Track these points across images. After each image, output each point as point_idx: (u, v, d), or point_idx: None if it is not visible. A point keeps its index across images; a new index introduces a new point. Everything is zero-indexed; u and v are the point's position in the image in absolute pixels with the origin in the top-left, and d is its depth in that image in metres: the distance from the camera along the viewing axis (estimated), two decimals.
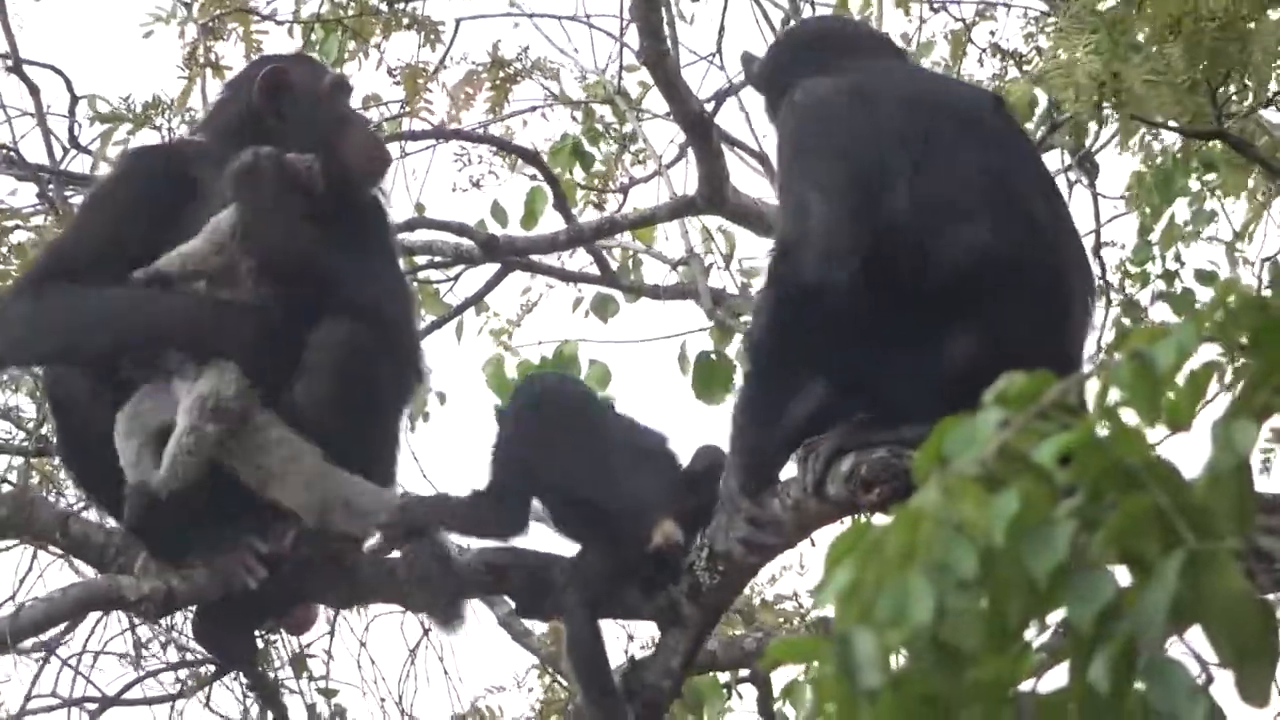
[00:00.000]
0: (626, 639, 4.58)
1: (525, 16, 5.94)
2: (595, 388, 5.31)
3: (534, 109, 5.98)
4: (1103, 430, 1.34)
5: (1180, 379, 1.35)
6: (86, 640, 4.59)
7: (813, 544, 4.16)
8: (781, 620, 5.05)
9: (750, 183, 5.93)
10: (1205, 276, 5.83)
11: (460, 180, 5.91)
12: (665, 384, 5.79)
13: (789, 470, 3.30)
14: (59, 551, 4.35)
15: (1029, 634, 1.33)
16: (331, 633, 4.71)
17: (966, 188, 3.18)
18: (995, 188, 3.20)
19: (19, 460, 4.98)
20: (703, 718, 4.81)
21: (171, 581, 3.64)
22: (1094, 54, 4.10)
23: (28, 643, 4.24)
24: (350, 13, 5.76)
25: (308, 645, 4.69)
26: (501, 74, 5.86)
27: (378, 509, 3.60)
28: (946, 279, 3.13)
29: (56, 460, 4.55)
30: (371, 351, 3.68)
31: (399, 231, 4.73)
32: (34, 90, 5.43)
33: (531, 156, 5.68)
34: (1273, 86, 4.45)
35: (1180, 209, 5.83)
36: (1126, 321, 5.77)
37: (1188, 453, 1.39)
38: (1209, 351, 1.37)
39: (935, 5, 5.66)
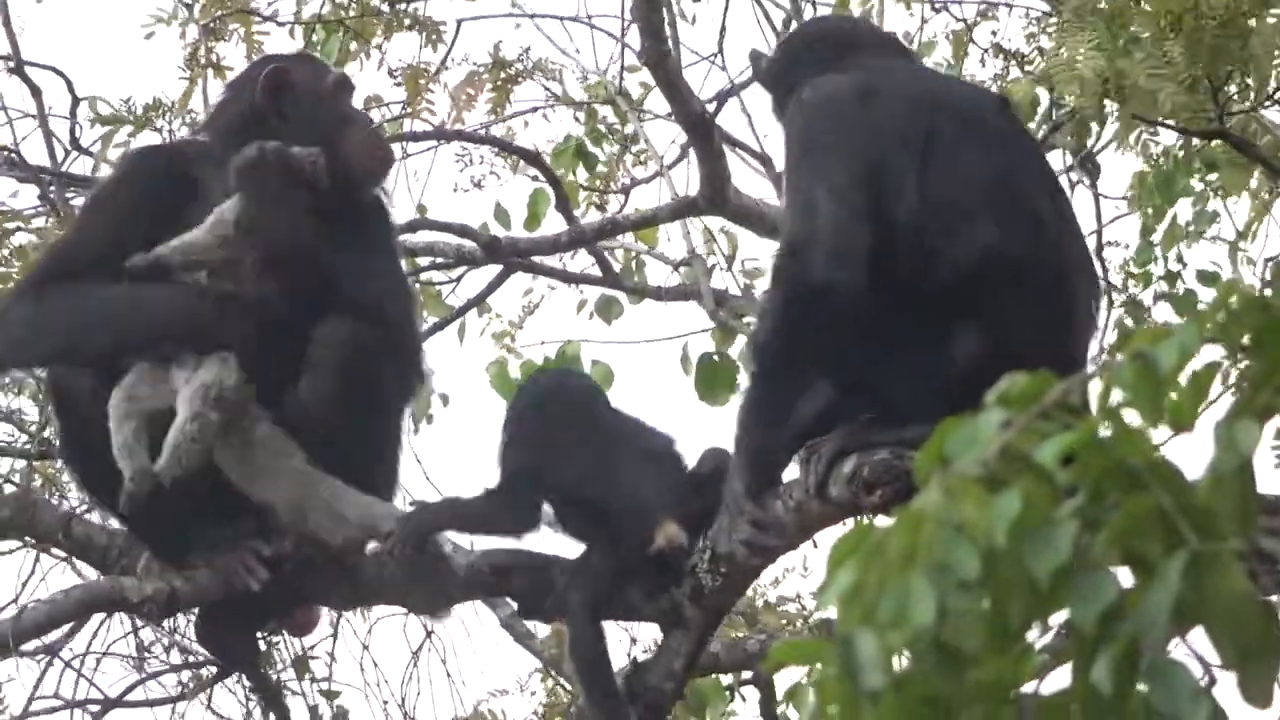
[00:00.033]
0: (629, 641, 4.57)
1: (527, 17, 5.93)
2: None
3: (535, 110, 5.97)
4: (1105, 431, 1.34)
5: (1183, 379, 1.35)
6: (89, 642, 4.58)
7: (815, 546, 4.16)
8: (784, 622, 5.03)
9: (752, 183, 5.91)
10: (1208, 277, 5.82)
11: (462, 181, 5.91)
12: (668, 385, 5.78)
13: (791, 471, 3.30)
14: (61, 553, 4.34)
15: (1031, 635, 1.33)
16: (334, 635, 4.70)
17: (972, 188, 3.18)
18: (1000, 188, 3.20)
19: (21, 463, 4.97)
20: None
21: (174, 583, 3.65)
22: (1096, 50, 4.10)
23: (30, 645, 4.23)
24: (351, 13, 5.75)
25: (310, 647, 4.68)
26: (503, 75, 5.86)
27: (366, 516, 3.60)
28: (951, 279, 3.13)
29: (59, 463, 4.55)
30: (374, 350, 3.68)
31: (401, 232, 4.72)
32: (35, 92, 5.42)
33: (533, 157, 5.67)
34: (1273, 85, 4.44)
35: (1183, 209, 5.82)
36: (1129, 322, 5.76)
37: (1190, 453, 1.39)
38: (1211, 352, 1.37)
39: (936, 5, 5.66)
